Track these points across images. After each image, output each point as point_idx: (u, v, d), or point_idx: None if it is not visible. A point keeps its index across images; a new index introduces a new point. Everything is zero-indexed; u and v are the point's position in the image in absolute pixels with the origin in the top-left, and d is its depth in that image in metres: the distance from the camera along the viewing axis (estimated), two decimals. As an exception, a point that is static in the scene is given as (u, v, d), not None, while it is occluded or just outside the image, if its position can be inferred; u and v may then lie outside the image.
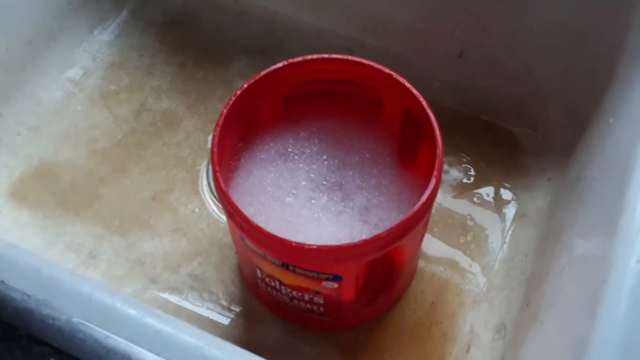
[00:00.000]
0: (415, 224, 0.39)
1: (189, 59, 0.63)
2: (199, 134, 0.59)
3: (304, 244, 0.37)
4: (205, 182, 0.56)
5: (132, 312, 0.32)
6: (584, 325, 0.33)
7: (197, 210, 0.54)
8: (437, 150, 0.39)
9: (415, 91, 0.42)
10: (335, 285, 0.41)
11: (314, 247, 0.37)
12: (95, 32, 0.64)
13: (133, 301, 0.33)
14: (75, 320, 0.31)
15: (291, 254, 0.38)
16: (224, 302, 0.50)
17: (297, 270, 0.40)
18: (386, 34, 0.58)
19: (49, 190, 0.56)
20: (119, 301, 0.32)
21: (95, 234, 0.53)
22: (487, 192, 0.55)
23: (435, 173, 0.38)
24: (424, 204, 0.38)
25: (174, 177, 0.56)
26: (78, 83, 0.61)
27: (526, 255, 0.50)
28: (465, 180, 0.55)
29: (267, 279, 0.44)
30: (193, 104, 0.60)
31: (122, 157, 0.57)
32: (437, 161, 0.39)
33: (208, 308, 0.50)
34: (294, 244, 0.37)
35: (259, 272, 0.44)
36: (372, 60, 0.58)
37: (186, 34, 0.64)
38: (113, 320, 0.31)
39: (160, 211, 0.54)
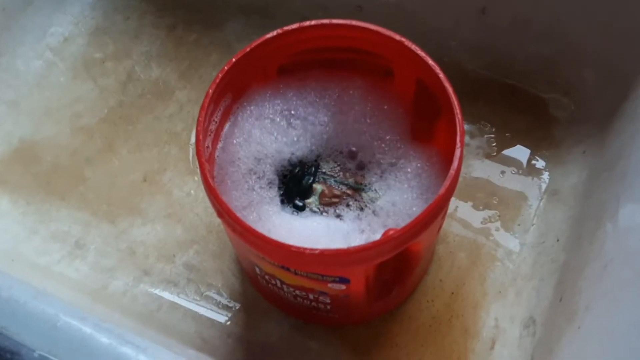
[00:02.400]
0: (431, 220, 0.34)
1: (179, 20, 0.57)
2: (192, 106, 0.53)
3: (304, 249, 0.32)
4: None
5: (104, 340, 0.27)
6: (635, 342, 0.28)
7: (192, 192, 0.49)
8: (457, 137, 0.33)
9: (430, 61, 0.36)
10: (343, 286, 0.36)
11: (316, 252, 0.32)
12: (76, -8, 0.58)
13: (106, 326, 0.28)
14: (37, 354, 0.27)
15: (291, 259, 0.34)
16: (223, 296, 0.46)
17: (299, 272, 0.35)
18: (399, -13, 0.51)
19: (31, 172, 0.51)
20: (89, 326, 0.28)
21: (81, 220, 0.49)
22: (514, 166, 0.49)
23: (454, 164, 0.33)
24: (441, 197, 0.33)
25: (167, 155, 0.51)
26: (59, 51, 0.56)
27: (558, 240, 0.44)
28: (489, 152, 0.49)
29: (267, 277, 0.39)
30: (185, 72, 0.55)
31: (109, 134, 0.52)
32: (457, 150, 0.33)
33: (206, 303, 0.45)
34: (293, 249, 0.32)
35: (257, 269, 0.39)
36: (384, 17, 0.52)
37: (176, -8, 0.58)
38: (82, 353, 0.27)
39: (153, 194, 0.50)
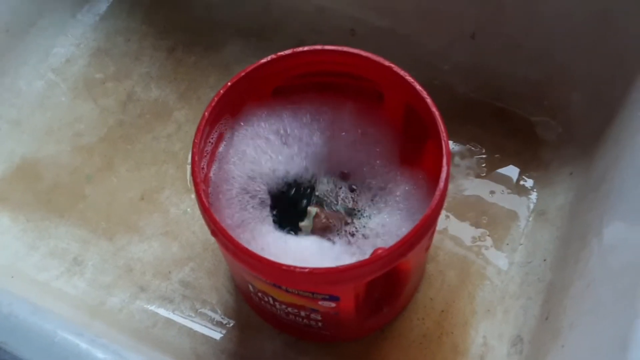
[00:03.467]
0: (419, 239, 0.35)
1: (179, 42, 0.58)
2: (190, 126, 0.54)
3: (295, 267, 0.33)
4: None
5: (100, 356, 0.28)
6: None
7: (189, 210, 0.51)
8: (444, 160, 0.34)
9: (418, 86, 0.37)
10: (333, 304, 0.37)
11: (306, 270, 0.33)
12: (79, 15, 0.59)
13: (101, 341, 0.29)
14: (34, 368, 0.28)
15: (282, 277, 0.35)
16: (218, 313, 0.46)
17: (290, 290, 0.36)
18: (392, 12, 0.53)
19: (32, 190, 0.52)
20: (85, 341, 0.29)
21: (80, 237, 0.50)
22: (503, 186, 0.50)
23: (440, 185, 0.34)
24: (427, 217, 0.34)
25: (165, 174, 0.52)
26: (61, 72, 0.57)
27: (545, 260, 0.45)
28: (478, 173, 0.51)
29: (259, 294, 0.40)
30: (184, 93, 0.56)
31: (108, 153, 0.53)
32: (443, 171, 0.34)
33: (201, 319, 0.46)
34: (283, 267, 0.33)
35: (251, 287, 0.40)
36: (377, 41, 0.54)
37: (176, 16, 0.59)
38: (78, 367, 0.28)
39: (150, 212, 0.51)
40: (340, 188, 0.42)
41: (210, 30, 0.58)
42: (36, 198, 0.52)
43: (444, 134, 0.35)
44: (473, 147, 0.52)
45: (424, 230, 0.34)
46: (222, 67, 0.57)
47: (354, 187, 0.41)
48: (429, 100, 0.37)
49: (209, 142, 0.38)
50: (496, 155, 0.51)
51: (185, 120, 0.55)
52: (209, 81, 0.56)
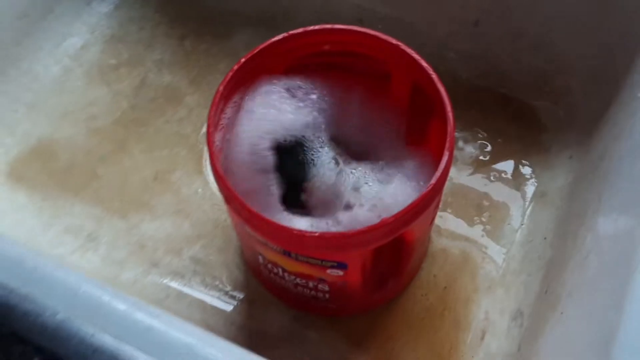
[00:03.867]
0: (424, 207, 0.36)
1: (190, 31, 0.60)
2: (201, 110, 0.56)
3: (305, 232, 0.34)
4: (208, 162, 0.53)
5: (121, 307, 0.30)
6: (610, 319, 0.31)
7: (200, 190, 0.52)
8: (448, 128, 0.36)
9: (424, 63, 0.39)
10: (341, 272, 0.39)
11: (316, 234, 0.34)
12: (94, 3, 0.61)
13: (122, 295, 0.30)
14: (59, 316, 0.29)
15: (292, 242, 0.36)
16: (227, 287, 0.48)
17: (300, 257, 0.38)
18: (398, 1, 0.55)
19: (47, 170, 0.54)
20: (107, 295, 0.30)
21: (94, 215, 0.51)
22: (505, 170, 0.52)
23: (446, 152, 0.35)
24: (433, 186, 0.36)
25: (176, 156, 0.54)
26: (76, 57, 0.59)
27: (545, 238, 0.47)
28: (481, 157, 0.52)
29: (269, 266, 0.41)
30: (195, 79, 0.58)
31: (122, 135, 0.55)
32: (448, 140, 0.36)
33: (211, 293, 0.48)
34: (294, 232, 0.35)
35: (260, 258, 0.41)
36: (383, 29, 0.55)
37: (188, 5, 0.61)
38: (100, 316, 0.29)
39: (162, 192, 0.52)
40: (347, 162, 0.43)
41: (221, 19, 0.60)
42: (52, 178, 0.53)
43: (449, 107, 0.37)
44: (476, 132, 0.53)
45: (430, 198, 0.36)
46: (231, 55, 0.59)
47: (361, 161, 0.43)
48: (434, 76, 0.38)
49: (223, 116, 0.39)
50: (498, 140, 0.53)
51: (196, 105, 0.56)
52: (219, 67, 0.58)
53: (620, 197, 0.39)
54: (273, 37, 0.42)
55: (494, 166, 0.52)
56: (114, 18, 0.61)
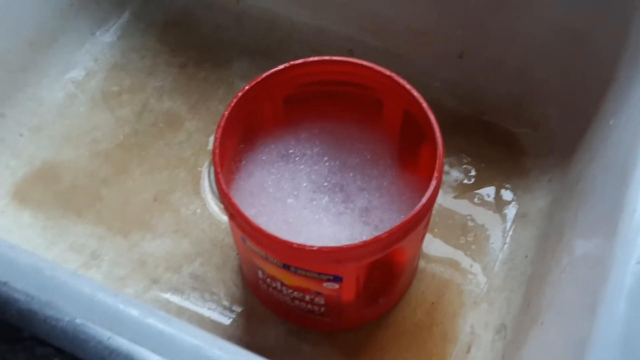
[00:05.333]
0: (415, 225, 0.39)
1: (190, 59, 0.63)
2: (200, 135, 0.59)
3: (304, 245, 0.37)
4: (207, 183, 0.56)
5: (134, 312, 0.32)
6: (584, 325, 0.33)
7: (198, 211, 0.55)
8: (438, 152, 0.39)
9: (415, 93, 0.42)
10: (336, 286, 0.41)
11: (315, 248, 0.37)
12: (97, 33, 0.64)
13: (135, 302, 0.33)
14: (78, 321, 0.31)
15: (292, 255, 0.39)
16: (225, 303, 0.50)
17: (299, 271, 0.40)
18: (386, 34, 0.58)
19: (51, 191, 0.56)
20: (121, 302, 0.33)
21: (97, 234, 0.53)
22: (488, 192, 0.55)
23: (435, 174, 0.38)
24: (424, 206, 0.39)
25: (176, 178, 0.56)
26: (80, 84, 0.61)
27: (526, 256, 0.50)
28: (465, 181, 0.55)
29: (268, 280, 0.44)
30: (195, 105, 0.60)
31: (124, 158, 0.57)
32: (437, 162, 0.39)
33: (209, 308, 0.50)
34: (295, 245, 0.37)
35: (260, 273, 0.44)
36: (373, 60, 0.58)
37: (187, 35, 0.64)
38: (116, 321, 0.32)
39: (162, 212, 0.55)
40: (341, 185, 0.46)
41: (219, 49, 0.63)
42: (55, 198, 0.55)
43: (438, 132, 0.40)
44: (461, 157, 0.57)
45: (420, 216, 0.39)
46: (230, 82, 0.62)
47: (355, 185, 0.46)
48: (424, 104, 0.41)
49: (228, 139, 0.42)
50: (482, 164, 0.56)
51: (195, 129, 0.59)
52: (218, 94, 0.61)
53: (592, 216, 0.42)
54: (268, 65, 0.45)
55: (478, 190, 0.55)
56: (117, 47, 0.64)
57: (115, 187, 0.56)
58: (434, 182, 0.38)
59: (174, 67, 0.63)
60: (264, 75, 0.43)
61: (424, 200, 0.39)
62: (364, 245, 0.38)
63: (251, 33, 0.63)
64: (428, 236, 0.52)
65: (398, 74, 0.44)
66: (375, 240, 0.38)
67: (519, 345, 0.43)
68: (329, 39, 0.61)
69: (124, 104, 0.60)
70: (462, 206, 0.54)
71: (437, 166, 0.39)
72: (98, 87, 0.61)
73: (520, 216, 0.53)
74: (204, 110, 0.60)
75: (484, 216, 0.54)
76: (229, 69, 0.62)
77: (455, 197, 0.55)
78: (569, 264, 0.40)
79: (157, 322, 0.32)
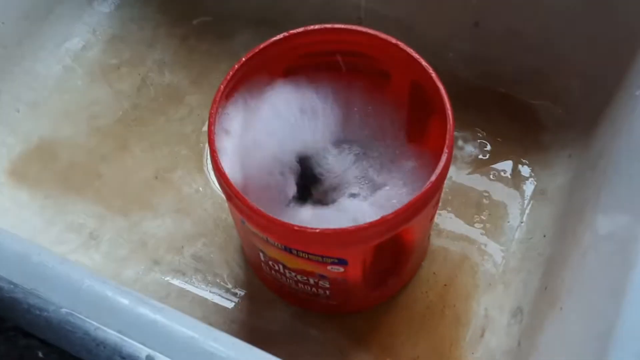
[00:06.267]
0: (424, 205, 0.37)
1: (192, 31, 0.60)
2: (202, 110, 0.56)
3: (306, 228, 0.35)
4: (209, 160, 0.54)
5: (124, 301, 0.30)
6: (609, 314, 0.31)
7: (201, 189, 0.52)
8: (448, 125, 0.36)
9: (424, 62, 0.39)
10: (341, 269, 0.39)
11: (317, 231, 0.35)
12: (95, 3, 0.61)
13: (125, 290, 0.31)
14: (64, 310, 0.29)
15: (293, 238, 0.36)
16: (228, 285, 0.48)
17: (301, 254, 0.38)
18: (398, 1, 0.55)
19: (49, 168, 0.54)
20: (110, 290, 0.31)
21: (96, 214, 0.52)
22: (504, 168, 0.52)
23: (445, 150, 0.36)
24: (433, 184, 0.36)
25: (177, 155, 0.54)
26: (77, 57, 0.59)
27: (545, 236, 0.47)
28: (480, 156, 0.53)
29: (270, 262, 0.42)
30: (196, 79, 0.58)
31: (123, 134, 0.55)
32: (447, 137, 0.36)
33: (212, 291, 0.48)
34: (295, 228, 0.35)
35: (261, 255, 0.42)
36: (383, 30, 0.55)
37: (189, 5, 0.61)
38: (104, 311, 0.30)
39: (163, 190, 0.53)
40: (349, 161, 0.43)
41: (222, 20, 0.61)
42: (54, 176, 0.53)
43: (448, 105, 0.37)
44: (475, 131, 0.54)
45: (429, 196, 0.36)
46: (232, 55, 0.59)
47: (362, 160, 0.43)
48: (434, 74, 0.39)
49: (226, 113, 0.40)
50: (498, 139, 0.53)
51: (197, 104, 0.57)
52: (220, 67, 0.58)
53: (618, 195, 0.39)
54: (273, 37, 0.42)
55: (494, 165, 0.52)
56: (115, 18, 0.61)
57: (115, 164, 0.54)
58: (443, 158, 0.36)
59: (175, 38, 0.60)
60: (262, 45, 0.40)
61: (432, 177, 0.36)
62: (370, 226, 0.35)
63: (256, 3, 0.60)
64: (440, 214, 0.50)
65: (409, 43, 0.42)
66: (382, 222, 0.35)
67: (536, 331, 0.41)
68: (338, 7, 0.58)
69: (123, 77, 0.58)
70: (477, 182, 0.52)
71: (447, 141, 0.36)
72: (96, 60, 0.59)
73: (538, 193, 0.50)
74: (206, 85, 0.57)
75: (500, 193, 0.51)
76: (232, 42, 0.59)
77: (469, 173, 0.52)
78: (592, 247, 0.38)
79: (148, 312, 0.30)
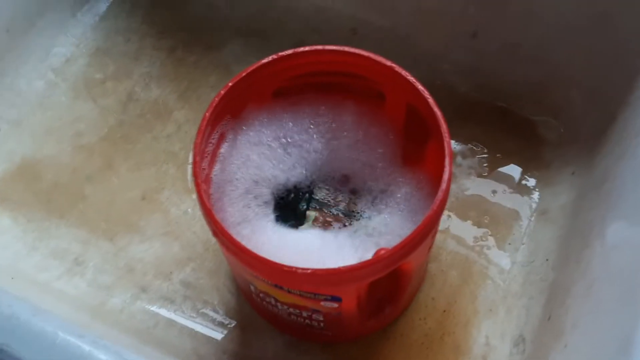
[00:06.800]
0: (420, 241, 0.35)
1: (179, 42, 0.58)
2: (190, 126, 0.54)
3: (296, 269, 0.33)
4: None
5: (102, 357, 0.28)
6: (618, 357, 0.29)
7: (189, 210, 0.50)
8: (446, 160, 0.34)
9: (420, 86, 0.37)
10: (335, 305, 0.37)
11: (308, 271, 0.33)
12: (79, 14, 0.59)
13: (103, 342, 0.29)
14: (35, 369, 0.28)
15: (283, 278, 0.34)
16: (219, 313, 0.46)
17: (292, 291, 0.36)
18: (393, 11, 0.53)
19: (32, 190, 0.52)
20: (87, 343, 0.29)
21: (81, 238, 0.50)
22: (504, 186, 0.50)
23: (442, 186, 0.34)
24: (430, 218, 0.34)
25: (165, 174, 0.52)
26: (61, 71, 0.57)
27: (547, 260, 0.45)
28: (480, 172, 0.51)
29: (261, 295, 0.40)
30: (184, 93, 0.56)
31: (109, 153, 0.53)
32: (446, 171, 0.34)
33: (202, 320, 0.46)
34: (285, 268, 0.33)
35: (252, 287, 0.40)
36: (378, 40, 0.54)
37: (176, 15, 0.59)
38: (80, 368, 0.28)
39: (151, 212, 0.50)
40: (340, 191, 0.42)
41: (211, 30, 0.58)
42: (36, 198, 0.51)
43: (446, 134, 0.35)
44: (474, 146, 0.52)
45: (426, 230, 0.34)
46: (222, 67, 0.57)
47: (355, 189, 0.41)
48: (430, 100, 0.37)
49: (210, 142, 0.38)
50: (497, 155, 0.51)
51: (185, 120, 0.55)
52: (210, 80, 0.56)
53: (625, 221, 0.37)
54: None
55: (494, 182, 0.50)
56: (100, 30, 0.59)
57: (100, 185, 0.52)
58: (440, 194, 0.34)
59: (162, 50, 0.58)
60: (250, 69, 0.38)
61: (429, 212, 0.34)
62: (364, 266, 0.33)
63: (245, 12, 0.58)
64: (439, 236, 0.48)
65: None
66: (376, 261, 0.33)
67: (540, 364, 0.39)
68: (331, 18, 0.55)
69: (108, 92, 0.56)
70: (476, 201, 0.50)
71: (445, 176, 0.34)
72: (80, 74, 0.57)
73: (540, 213, 0.48)
74: (194, 99, 0.55)
75: (499, 213, 0.49)
76: (222, 52, 0.57)
77: (467, 191, 0.50)
78: (599, 279, 0.36)
79: (127, 368, 0.28)
